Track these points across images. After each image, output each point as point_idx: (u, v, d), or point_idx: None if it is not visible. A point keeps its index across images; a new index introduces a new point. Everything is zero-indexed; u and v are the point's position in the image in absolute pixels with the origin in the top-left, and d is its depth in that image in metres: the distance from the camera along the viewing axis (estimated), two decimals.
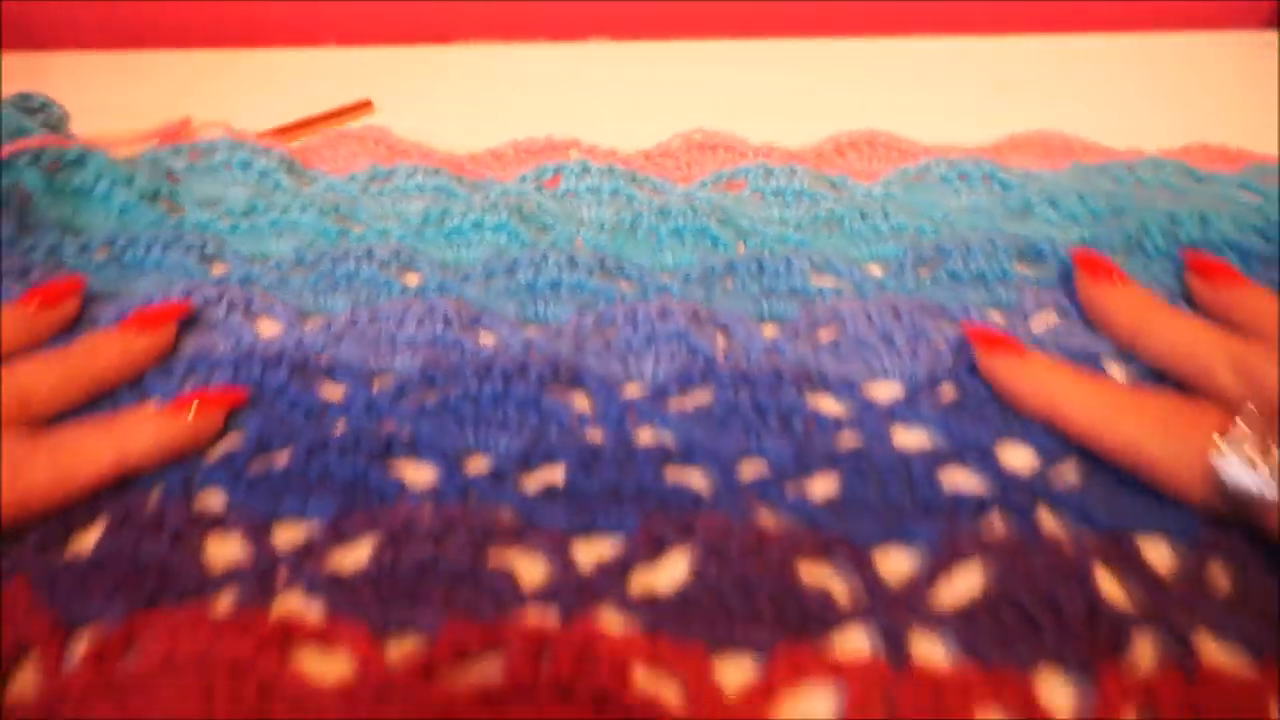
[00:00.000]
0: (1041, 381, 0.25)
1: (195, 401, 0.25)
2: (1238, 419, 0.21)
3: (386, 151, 0.42)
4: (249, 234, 0.36)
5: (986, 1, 0.56)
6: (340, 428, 0.26)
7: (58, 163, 0.35)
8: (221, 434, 0.26)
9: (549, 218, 0.36)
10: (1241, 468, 0.20)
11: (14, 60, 0.54)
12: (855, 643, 0.21)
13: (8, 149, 0.33)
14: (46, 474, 0.23)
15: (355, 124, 0.46)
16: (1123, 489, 0.24)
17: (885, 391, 0.28)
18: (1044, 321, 0.30)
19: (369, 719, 0.19)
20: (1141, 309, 0.28)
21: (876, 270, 0.33)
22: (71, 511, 0.23)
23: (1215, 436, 0.21)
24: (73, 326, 0.30)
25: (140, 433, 0.24)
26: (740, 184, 0.39)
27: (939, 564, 0.22)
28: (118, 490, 0.24)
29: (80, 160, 0.35)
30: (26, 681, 0.20)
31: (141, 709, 0.19)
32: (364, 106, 0.48)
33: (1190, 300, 0.30)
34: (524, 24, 0.56)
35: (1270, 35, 0.53)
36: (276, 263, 0.34)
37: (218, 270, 0.34)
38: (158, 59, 0.53)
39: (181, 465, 0.25)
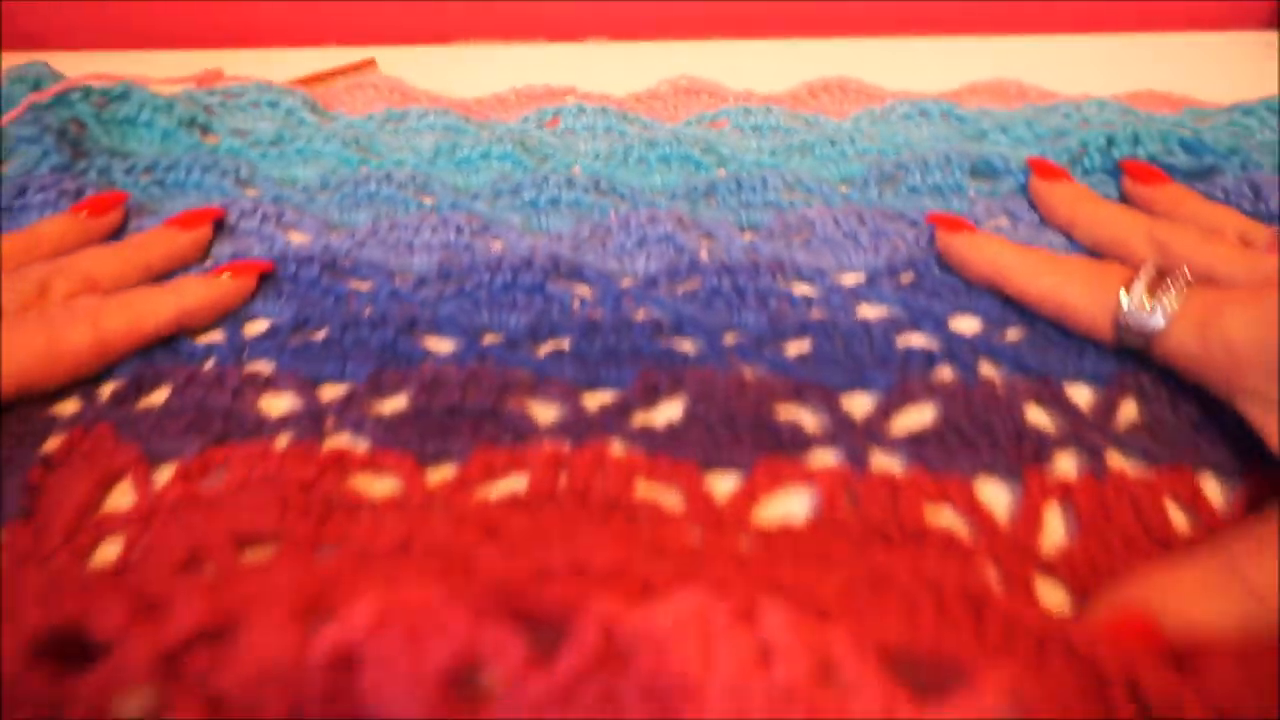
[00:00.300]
0: (987, 250, 0.29)
1: (227, 270, 0.30)
2: (1140, 271, 0.25)
3: (400, 97, 0.46)
4: (278, 161, 0.39)
5: (988, 1, 0.57)
6: (369, 311, 0.30)
7: (105, 97, 0.39)
8: (255, 315, 0.30)
9: (549, 149, 0.40)
10: (1138, 308, 0.24)
11: (14, 60, 0.54)
12: (824, 459, 0.24)
13: (61, 86, 0.37)
14: (122, 321, 0.27)
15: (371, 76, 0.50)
16: (1052, 346, 0.28)
17: (850, 278, 0.31)
18: (993, 226, 0.34)
19: (417, 524, 0.23)
20: (1079, 199, 0.32)
21: (844, 188, 0.37)
22: (140, 375, 0.27)
23: (1121, 285, 0.25)
24: (118, 234, 0.34)
25: (191, 290, 0.29)
26: (722, 123, 0.43)
27: (894, 403, 0.26)
28: (175, 360, 0.28)
29: (125, 94, 0.39)
30: (120, 502, 0.24)
31: (226, 518, 0.22)
32: (368, 65, 0.52)
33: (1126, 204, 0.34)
34: (524, 24, 0.58)
35: (1270, 35, 0.54)
36: (304, 186, 0.37)
37: (250, 193, 0.37)
38: (158, 59, 0.54)
39: (230, 340, 0.29)
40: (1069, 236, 0.32)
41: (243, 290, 0.30)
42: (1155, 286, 0.24)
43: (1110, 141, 0.37)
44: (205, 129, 0.42)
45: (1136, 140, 0.37)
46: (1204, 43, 0.53)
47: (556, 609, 0.17)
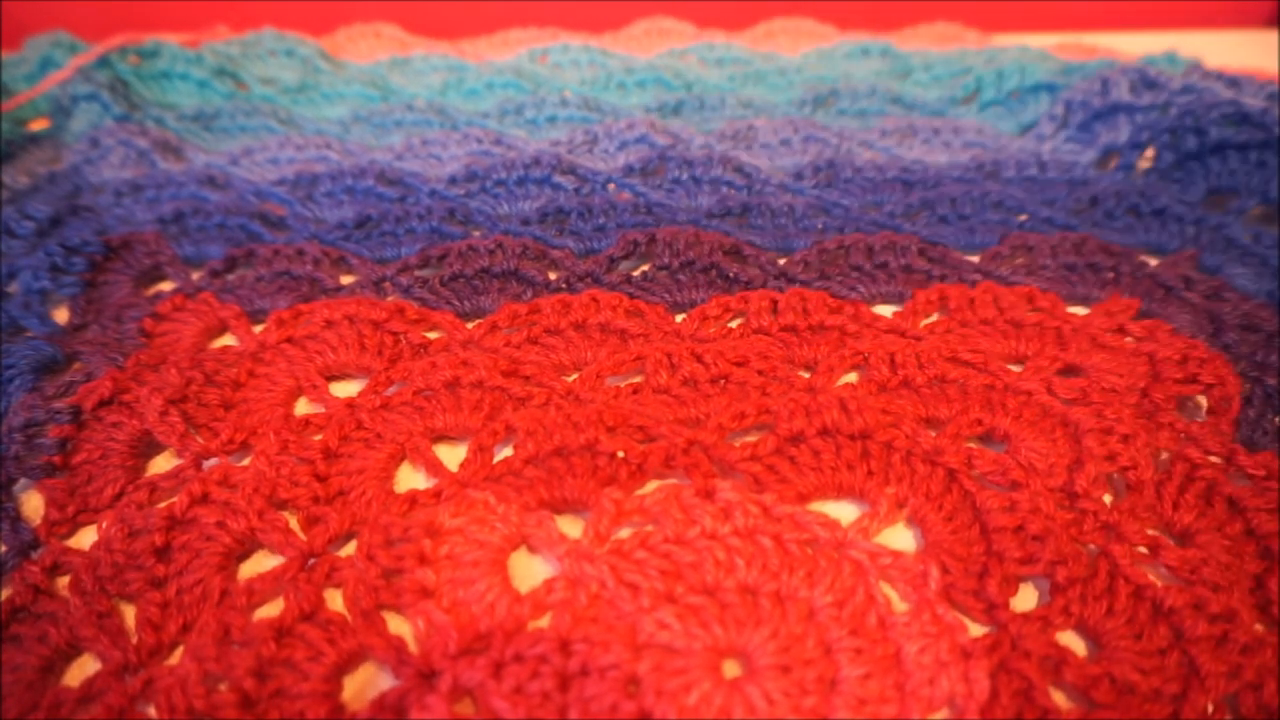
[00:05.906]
0: None
1: None
2: None
3: (400, 45, 0.58)
4: (308, 104, 0.51)
5: (991, 1, 0.64)
6: (416, 206, 0.41)
7: (139, 55, 0.50)
8: (323, 219, 0.41)
9: (542, 79, 0.52)
10: None
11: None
12: (758, 297, 0.37)
13: (98, 50, 0.48)
14: None
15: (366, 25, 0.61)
16: (945, 224, 0.40)
17: (780, 174, 0.44)
18: (898, 141, 0.47)
19: (460, 364, 0.34)
20: None
21: (786, 108, 0.50)
22: (230, 256, 0.38)
23: None
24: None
25: None
26: (690, 57, 0.55)
27: (810, 256, 0.38)
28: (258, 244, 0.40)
29: (156, 50, 0.50)
30: (225, 345, 0.35)
31: (317, 351, 0.34)
32: None
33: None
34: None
35: (1270, 35, 0.60)
36: (338, 120, 0.49)
37: (292, 132, 0.49)
38: None
39: (302, 232, 0.40)
40: None
41: None
42: None
43: (1001, 75, 0.50)
44: (235, 79, 0.53)
45: (1023, 71, 0.49)
46: (1204, 42, 0.59)
47: (578, 499, 0.28)
